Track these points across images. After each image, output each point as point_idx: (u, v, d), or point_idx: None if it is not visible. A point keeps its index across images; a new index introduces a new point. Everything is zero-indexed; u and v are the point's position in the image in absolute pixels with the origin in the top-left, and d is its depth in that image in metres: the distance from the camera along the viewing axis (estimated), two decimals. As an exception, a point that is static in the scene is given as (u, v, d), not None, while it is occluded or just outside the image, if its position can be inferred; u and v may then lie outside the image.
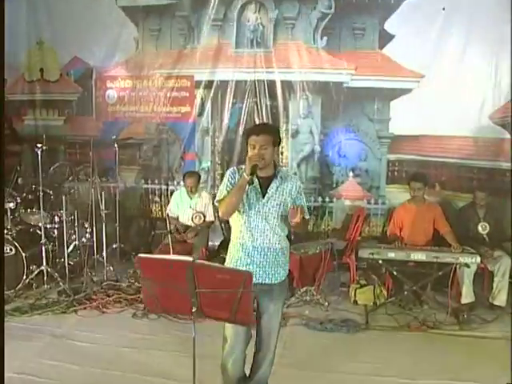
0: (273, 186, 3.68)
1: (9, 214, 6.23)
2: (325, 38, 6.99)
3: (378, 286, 5.96)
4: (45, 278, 6.21)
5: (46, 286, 6.19)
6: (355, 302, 6.01)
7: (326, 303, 5.93)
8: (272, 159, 3.69)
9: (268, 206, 3.65)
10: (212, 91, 7.43)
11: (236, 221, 3.75)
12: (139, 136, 7.70)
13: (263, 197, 3.65)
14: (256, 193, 3.66)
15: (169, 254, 6.01)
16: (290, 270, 5.78)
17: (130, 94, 7.63)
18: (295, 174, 7.33)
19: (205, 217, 6.65)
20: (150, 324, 5.53)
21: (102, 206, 6.57)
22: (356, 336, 5.31)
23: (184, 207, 6.74)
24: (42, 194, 6.11)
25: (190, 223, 6.68)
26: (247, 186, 3.56)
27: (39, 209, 6.17)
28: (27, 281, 6.07)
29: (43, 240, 6.15)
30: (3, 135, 4.34)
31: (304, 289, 6.05)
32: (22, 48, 7.86)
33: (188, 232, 6.58)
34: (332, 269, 6.17)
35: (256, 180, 3.65)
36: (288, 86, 7.19)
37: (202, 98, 7.50)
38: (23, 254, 6.04)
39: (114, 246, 7.04)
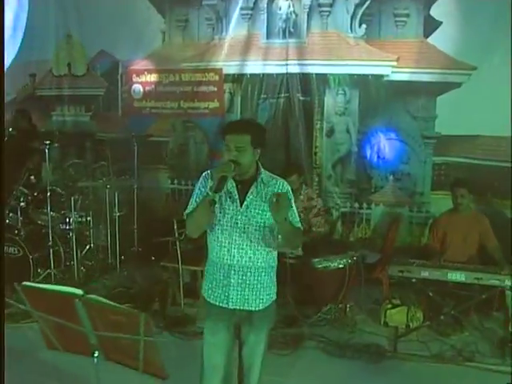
0: (252, 190, 3.06)
1: (19, 213, 5.93)
2: (363, 26, 6.24)
3: (414, 306, 5.21)
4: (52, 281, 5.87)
5: (52, 290, 5.86)
6: (385, 323, 5.29)
7: (352, 323, 5.28)
8: (251, 164, 3.06)
9: (247, 216, 3.05)
10: (241, 85, 6.86)
11: (210, 234, 3.17)
12: (165, 133, 7.26)
13: (241, 205, 3.06)
14: (232, 200, 3.06)
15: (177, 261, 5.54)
16: (310, 286, 5.39)
17: (157, 88, 7.17)
18: (330, 176, 6.69)
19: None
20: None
21: (116, 208, 6.18)
22: (378, 366, 4.60)
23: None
24: (49, 193, 5.80)
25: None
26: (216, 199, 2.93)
27: (50, 209, 5.85)
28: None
29: (50, 242, 5.81)
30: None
31: (328, 306, 5.40)
32: (51, 42, 7.60)
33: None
34: (358, 285, 5.45)
35: (233, 184, 3.07)
36: (323, 79, 6.49)
37: (230, 93, 6.94)
38: (30, 256, 5.72)
39: (132, 249, 6.63)
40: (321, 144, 6.68)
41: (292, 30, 6.52)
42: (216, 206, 2.99)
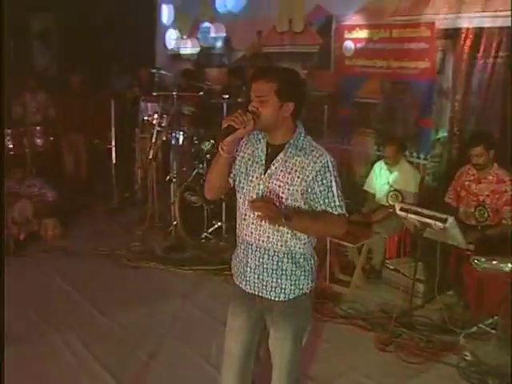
0: (279, 158, 2.57)
1: (205, 165, 6.19)
2: None
3: None
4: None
5: (222, 243, 6.04)
6: None
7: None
8: (275, 119, 2.52)
9: (268, 188, 2.57)
10: (455, 42, 5.81)
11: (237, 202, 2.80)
12: (374, 94, 6.65)
13: (265, 173, 2.60)
14: (259, 166, 2.62)
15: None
16: (469, 289, 4.42)
17: (367, 45, 6.59)
18: None
19: (403, 197, 5.39)
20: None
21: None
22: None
23: (381, 182, 5.60)
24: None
25: (385, 202, 5.54)
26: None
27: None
28: (204, 235, 5.99)
29: (223, 196, 5.92)
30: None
31: (494, 318, 4.37)
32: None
33: (375, 214, 5.47)
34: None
35: (264, 147, 2.62)
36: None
37: (443, 51, 5.96)
38: (205, 207, 5.96)
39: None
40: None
41: (519, -30, 5.22)
42: (241, 171, 2.65)
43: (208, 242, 6.05)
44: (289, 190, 2.55)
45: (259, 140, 2.66)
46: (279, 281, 2.67)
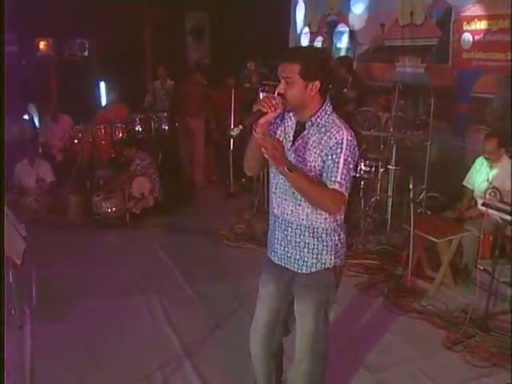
0: (302, 135, 2.69)
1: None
2: None
3: None
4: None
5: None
6: None
7: None
8: (302, 99, 2.62)
9: (293, 162, 2.69)
10: None
11: None
12: (490, 89, 6.30)
13: (291, 149, 2.73)
14: (287, 142, 2.75)
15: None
16: None
17: (484, 37, 6.25)
18: None
19: (501, 195, 5.08)
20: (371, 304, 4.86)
21: (392, 162, 5.91)
22: None
23: (481, 178, 5.33)
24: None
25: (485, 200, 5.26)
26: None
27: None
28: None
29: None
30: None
31: None
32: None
33: (469, 211, 5.22)
34: None
35: (293, 124, 2.75)
36: None
37: None
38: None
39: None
40: None
41: None
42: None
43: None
44: (306, 165, 2.65)
45: (290, 118, 2.78)
46: (302, 253, 2.79)
